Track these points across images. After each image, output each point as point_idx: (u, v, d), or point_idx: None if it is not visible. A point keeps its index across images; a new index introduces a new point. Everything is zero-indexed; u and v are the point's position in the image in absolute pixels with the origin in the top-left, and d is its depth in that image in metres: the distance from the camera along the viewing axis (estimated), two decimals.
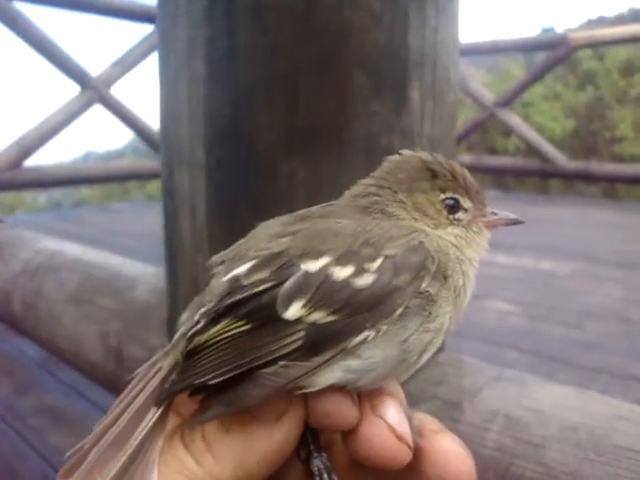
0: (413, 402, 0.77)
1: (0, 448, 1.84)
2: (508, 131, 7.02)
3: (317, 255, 0.37)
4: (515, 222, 0.45)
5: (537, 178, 7.03)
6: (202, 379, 0.35)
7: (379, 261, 0.36)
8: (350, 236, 0.38)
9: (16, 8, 3.79)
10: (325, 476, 0.38)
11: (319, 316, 0.35)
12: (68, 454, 0.37)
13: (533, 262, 3.82)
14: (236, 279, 0.38)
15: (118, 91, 4.45)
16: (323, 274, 0.36)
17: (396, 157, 0.45)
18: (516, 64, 9.71)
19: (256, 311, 0.36)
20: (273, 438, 0.35)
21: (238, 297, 0.37)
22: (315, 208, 0.43)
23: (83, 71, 4.24)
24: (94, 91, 4.28)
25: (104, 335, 1.18)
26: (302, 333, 0.35)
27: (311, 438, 0.39)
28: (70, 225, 4.92)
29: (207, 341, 0.37)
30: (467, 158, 6.21)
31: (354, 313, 0.35)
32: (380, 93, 0.74)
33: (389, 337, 0.36)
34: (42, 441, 1.84)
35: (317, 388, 0.35)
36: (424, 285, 0.36)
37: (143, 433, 0.36)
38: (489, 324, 2.72)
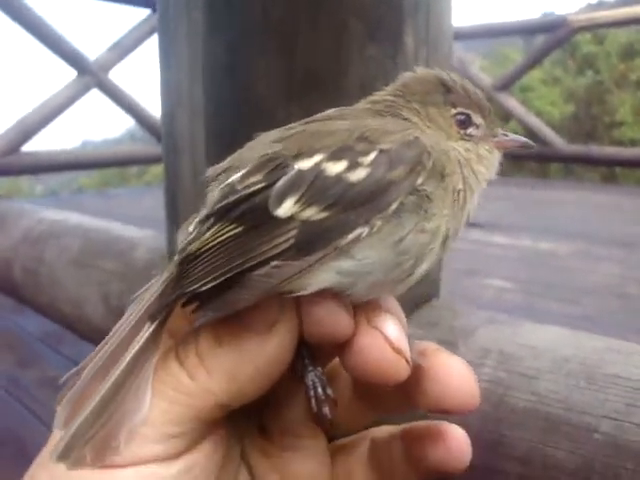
0: None
1: (6, 419, 1.87)
2: (507, 115, 7.00)
3: (311, 153, 0.36)
4: (525, 145, 0.44)
5: (536, 163, 7.03)
6: (194, 286, 0.34)
7: (373, 155, 0.35)
8: (346, 132, 0.37)
9: None
10: (320, 390, 0.37)
11: (312, 212, 0.34)
12: (64, 378, 0.36)
13: (532, 242, 3.83)
14: (231, 186, 0.37)
15: (116, 76, 4.44)
16: (316, 170, 0.35)
17: (411, 73, 0.45)
18: (514, 48, 9.67)
19: (249, 212, 0.35)
20: (266, 349, 0.35)
21: (230, 200, 0.36)
22: (325, 112, 0.42)
23: (80, 55, 4.21)
24: (92, 76, 4.25)
25: (106, 296, 1.20)
26: (295, 232, 0.34)
27: (306, 353, 0.38)
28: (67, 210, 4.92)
29: (199, 249, 0.36)
30: None
31: (347, 209, 0.34)
32: (375, 38, 0.76)
33: (383, 237, 0.35)
34: (47, 411, 1.87)
35: (309, 291, 0.34)
36: (420, 181, 0.35)
37: (136, 348, 0.35)
38: (486, 300, 2.74)
